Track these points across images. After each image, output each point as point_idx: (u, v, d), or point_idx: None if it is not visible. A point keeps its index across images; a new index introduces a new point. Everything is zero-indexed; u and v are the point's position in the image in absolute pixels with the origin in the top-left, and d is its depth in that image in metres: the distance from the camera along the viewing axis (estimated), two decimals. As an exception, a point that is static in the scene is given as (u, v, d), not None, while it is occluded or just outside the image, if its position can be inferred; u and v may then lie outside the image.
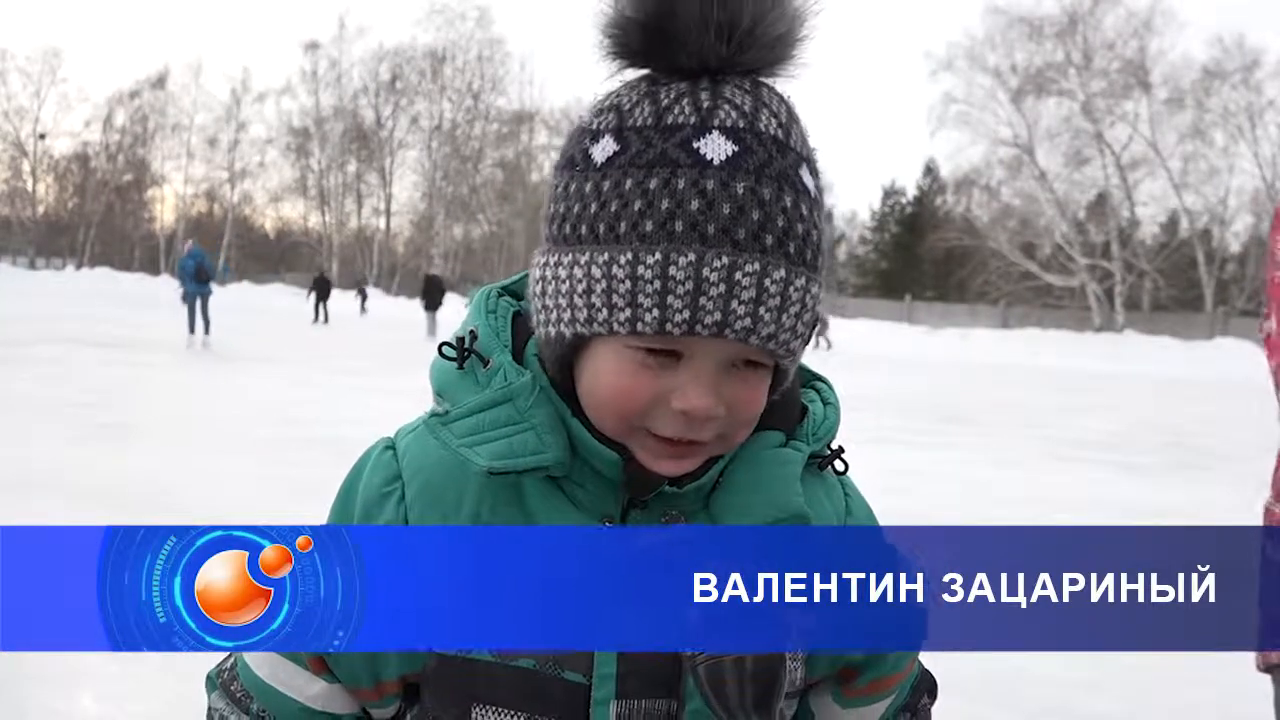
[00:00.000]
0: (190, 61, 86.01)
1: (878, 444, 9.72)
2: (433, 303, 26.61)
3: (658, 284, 0.79)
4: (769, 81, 0.86)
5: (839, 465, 0.97)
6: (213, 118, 70.56)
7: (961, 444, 10.37)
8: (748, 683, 0.79)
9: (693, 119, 0.82)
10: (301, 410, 9.58)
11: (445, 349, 0.91)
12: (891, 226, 65.35)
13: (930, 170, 62.79)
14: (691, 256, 0.79)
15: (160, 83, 69.13)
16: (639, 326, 0.80)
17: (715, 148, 0.81)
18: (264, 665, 0.94)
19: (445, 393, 0.91)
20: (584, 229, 0.83)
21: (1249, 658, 4.32)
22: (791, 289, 0.82)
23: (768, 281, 0.80)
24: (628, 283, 0.80)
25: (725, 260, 0.79)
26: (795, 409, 0.95)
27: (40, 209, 71.04)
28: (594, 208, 0.83)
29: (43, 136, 69.73)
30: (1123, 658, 4.00)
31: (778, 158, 0.82)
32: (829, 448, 0.96)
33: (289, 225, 72.90)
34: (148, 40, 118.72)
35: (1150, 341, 36.07)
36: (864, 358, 25.99)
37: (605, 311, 0.82)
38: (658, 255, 0.80)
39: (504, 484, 0.88)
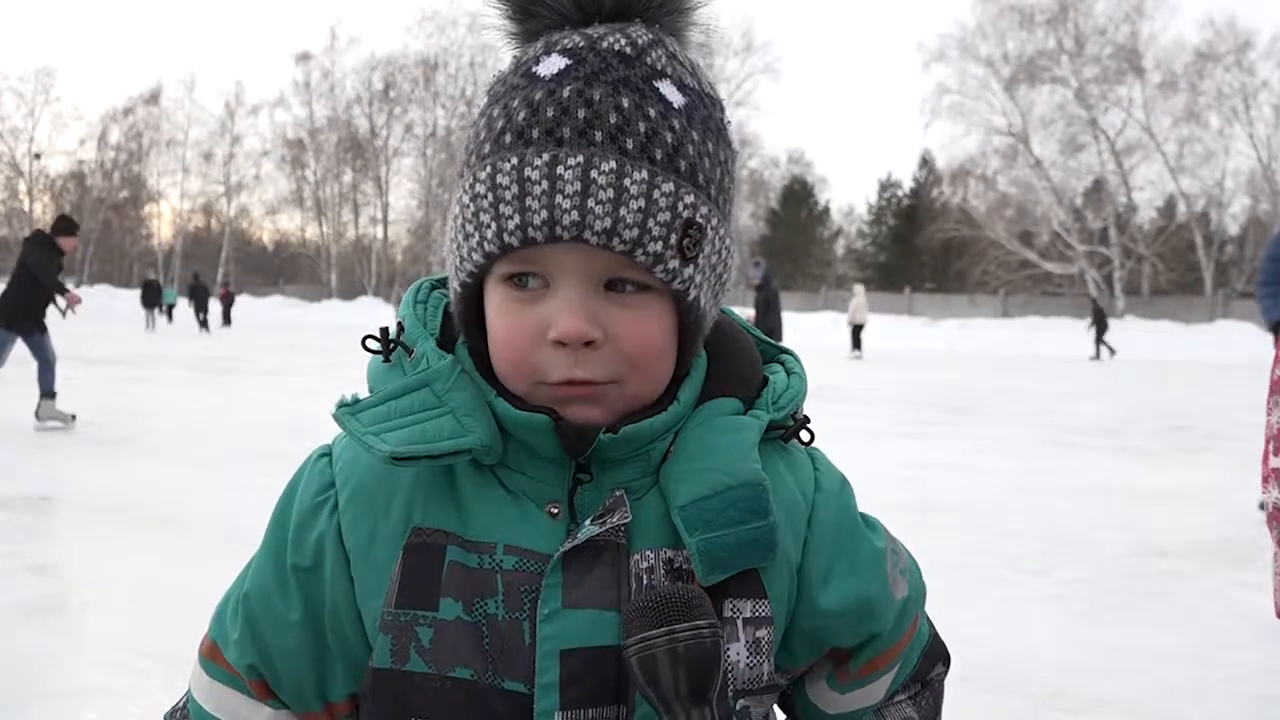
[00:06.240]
0: (183, 76, 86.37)
1: (882, 437, 9.73)
2: (149, 301, 32.88)
3: (490, 197, 0.78)
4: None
5: (804, 436, 0.90)
6: (207, 132, 70.82)
7: (964, 434, 10.36)
8: (681, 670, 0.74)
9: (540, 50, 0.81)
10: (307, 421, 9.58)
11: (370, 342, 0.87)
12: (889, 219, 65.35)
13: (926, 162, 62.83)
14: (514, 160, 0.77)
15: (154, 98, 69.25)
16: (486, 247, 0.78)
17: (549, 65, 0.79)
18: (210, 697, 0.90)
19: (374, 388, 0.86)
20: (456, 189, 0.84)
21: (1252, 640, 4.31)
22: (628, 181, 0.76)
23: (595, 173, 0.76)
24: (470, 207, 0.79)
25: (546, 156, 0.76)
26: (755, 380, 0.90)
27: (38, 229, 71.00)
28: (460, 159, 0.84)
29: (38, 156, 69.81)
30: (1128, 644, 4.00)
31: (618, 67, 0.79)
32: (793, 418, 0.90)
33: (287, 237, 73.02)
34: (140, 56, 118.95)
35: (1150, 326, 36.08)
36: (865, 351, 25.97)
37: (465, 247, 0.80)
38: (488, 169, 0.78)
39: (437, 481, 0.84)
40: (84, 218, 69.57)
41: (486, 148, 0.80)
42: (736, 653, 0.83)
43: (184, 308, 39.79)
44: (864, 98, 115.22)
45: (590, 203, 0.75)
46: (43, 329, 9.26)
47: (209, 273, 60.13)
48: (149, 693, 3.26)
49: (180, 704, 0.94)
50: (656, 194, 0.77)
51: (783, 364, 0.94)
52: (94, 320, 31.46)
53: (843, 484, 0.92)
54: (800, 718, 0.97)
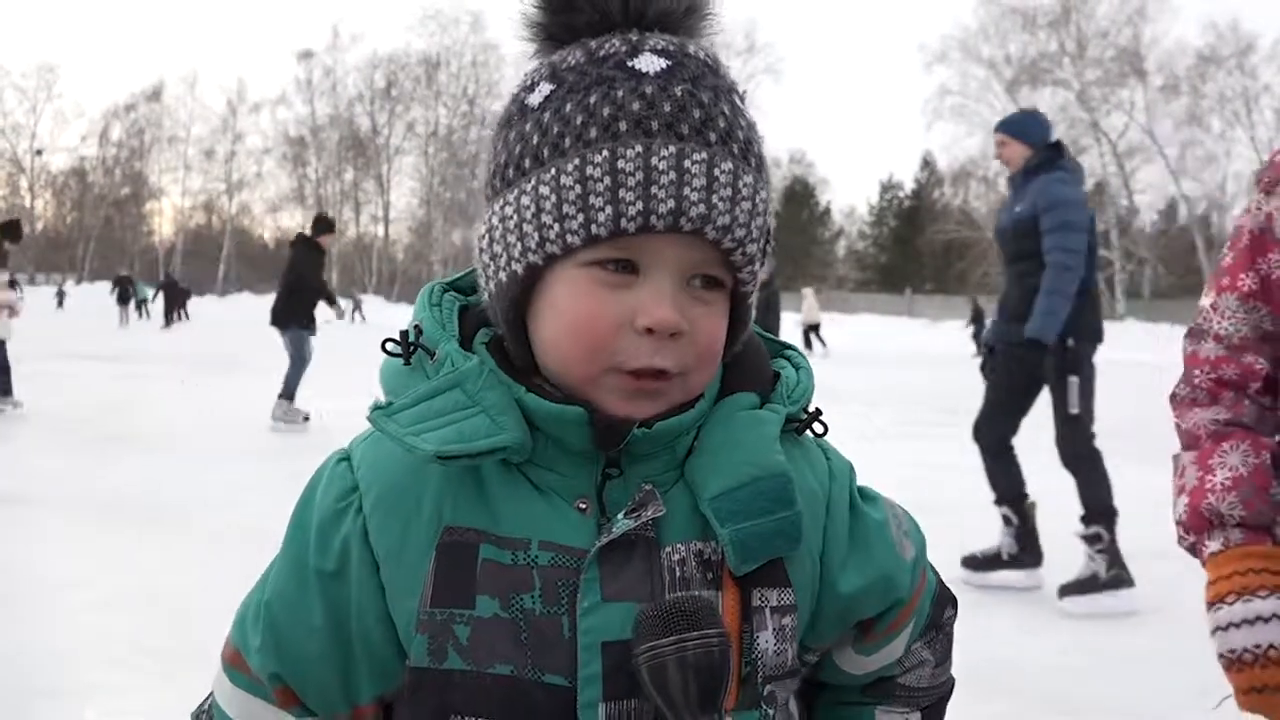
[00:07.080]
0: (185, 74, 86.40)
1: (882, 437, 9.71)
2: (122, 297, 33.94)
3: (607, 180, 0.78)
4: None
5: (817, 428, 0.93)
6: (209, 129, 70.94)
7: (964, 434, 10.28)
8: (690, 677, 0.76)
9: (624, 47, 0.82)
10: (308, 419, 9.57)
11: (389, 345, 0.87)
12: (890, 220, 65.41)
13: (927, 163, 62.90)
14: (639, 148, 0.78)
15: (155, 96, 69.37)
16: (593, 230, 0.79)
17: (649, 62, 0.81)
18: (233, 703, 0.90)
19: (394, 392, 0.86)
20: (528, 160, 0.82)
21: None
22: (741, 183, 0.80)
23: (717, 171, 0.79)
24: (577, 188, 0.79)
25: (673, 149, 0.78)
26: (767, 375, 0.93)
27: (39, 225, 71.11)
28: (536, 138, 0.82)
29: (39, 152, 69.92)
30: (1127, 646, 4.00)
31: (710, 75, 0.83)
32: (805, 411, 0.92)
33: (288, 235, 72.84)
34: (142, 53, 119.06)
35: (1151, 329, 36.04)
36: (865, 352, 25.97)
37: (557, 226, 0.80)
38: (604, 153, 0.79)
39: (465, 480, 0.84)
40: (85, 214, 69.81)
41: (593, 132, 0.80)
42: (765, 640, 0.85)
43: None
44: (866, 99, 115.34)
45: (714, 198, 0.79)
46: (309, 329, 9.66)
47: (211, 270, 60.20)
48: (149, 690, 3.26)
49: (205, 705, 0.94)
50: (757, 198, 0.82)
51: (789, 359, 0.97)
52: (87, 317, 31.46)
53: (850, 470, 0.95)
54: (829, 684, 1.00)
